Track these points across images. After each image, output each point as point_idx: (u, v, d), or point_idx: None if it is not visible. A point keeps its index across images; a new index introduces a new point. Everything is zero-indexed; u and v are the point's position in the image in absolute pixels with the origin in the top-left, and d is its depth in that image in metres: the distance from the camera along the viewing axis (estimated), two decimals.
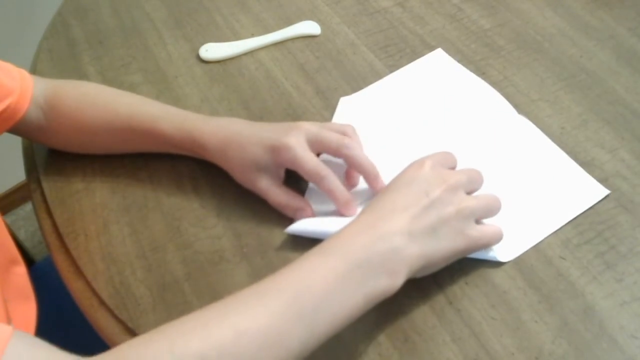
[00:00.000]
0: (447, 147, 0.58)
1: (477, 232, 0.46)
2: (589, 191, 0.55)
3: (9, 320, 0.51)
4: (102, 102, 0.58)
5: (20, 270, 0.57)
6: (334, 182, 0.52)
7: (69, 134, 0.59)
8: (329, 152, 0.53)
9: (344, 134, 0.54)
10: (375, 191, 0.53)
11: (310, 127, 0.53)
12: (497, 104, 0.62)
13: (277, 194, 0.53)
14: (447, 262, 0.46)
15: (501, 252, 0.51)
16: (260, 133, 0.53)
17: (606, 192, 0.55)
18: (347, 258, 0.41)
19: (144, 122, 0.56)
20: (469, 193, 0.48)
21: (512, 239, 0.51)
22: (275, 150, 0.51)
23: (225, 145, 0.53)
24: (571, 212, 0.54)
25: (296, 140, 0.51)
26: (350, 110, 0.62)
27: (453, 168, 0.51)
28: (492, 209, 0.48)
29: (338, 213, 0.53)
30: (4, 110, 0.54)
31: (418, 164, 0.48)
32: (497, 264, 0.51)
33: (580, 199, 0.54)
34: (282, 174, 0.54)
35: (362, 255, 0.41)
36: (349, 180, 0.55)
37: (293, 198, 0.53)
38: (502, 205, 0.49)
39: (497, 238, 0.49)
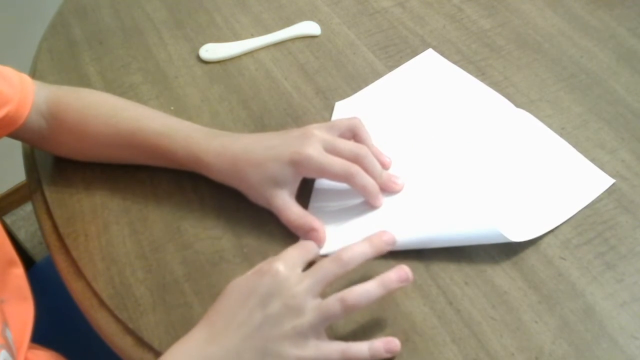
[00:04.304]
0: (448, 145, 0.58)
1: (311, 353, 0.42)
2: (594, 180, 0.56)
3: (4, 320, 0.51)
4: (104, 116, 0.56)
5: (18, 272, 0.57)
6: (365, 176, 0.52)
7: (71, 146, 0.58)
8: (344, 136, 0.54)
9: (353, 128, 0.54)
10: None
11: (323, 136, 0.52)
12: (494, 100, 0.63)
13: (292, 212, 0.52)
14: None
15: (512, 233, 0.50)
16: (273, 148, 0.52)
17: (611, 180, 0.55)
18: None
19: (146, 139, 0.55)
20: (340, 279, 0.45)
21: (524, 223, 0.52)
22: (297, 164, 0.51)
23: (234, 166, 0.52)
24: (580, 202, 0.54)
25: (314, 149, 0.51)
26: (347, 114, 0.62)
27: (313, 259, 0.48)
28: (333, 315, 0.43)
29: (344, 214, 0.53)
30: (2, 119, 0.53)
31: (264, 269, 0.45)
32: (497, 264, 0.51)
33: (587, 188, 0.55)
34: (297, 186, 0.53)
35: None
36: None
37: (307, 218, 0.52)
38: (361, 300, 0.43)
39: (337, 357, 0.43)
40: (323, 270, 0.45)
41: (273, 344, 0.42)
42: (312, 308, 0.43)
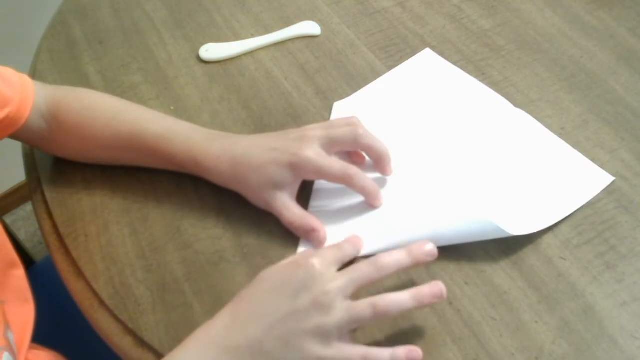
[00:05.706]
0: (446, 144, 0.58)
1: (332, 353, 0.42)
2: (594, 178, 0.56)
3: (6, 322, 0.51)
4: (103, 118, 0.56)
5: (19, 273, 0.57)
6: (364, 178, 0.52)
7: (71, 147, 0.58)
8: (345, 148, 0.54)
9: (352, 128, 0.54)
10: (385, 175, 0.55)
11: (319, 133, 0.52)
12: (493, 99, 0.63)
13: (292, 214, 0.52)
14: None
15: (512, 226, 0.50)
16: (272, 151, 0.51)
17: (611, 178, 0.56)
18: None
19: (146, 142, 0.55)
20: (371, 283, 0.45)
21: (524, 219, 0.52)
22: (295, 167, 0.51)
23: (233, 169, 0.52)
24: (580, 199, 0.54)
25: (313, 151, 0.51)
26: (346, 114, 0.62)
27: (350, 259, 0.48)
28: (361, 318, 0.43)
29: (344, 213, 0.54)
30: (3, 120, 0.53)
31: (300, 262, 0.45)
32: (496, 264, 0.51)
33: (587, 185, 0.55)
34: (297, 188, 0.53)
35: None
36: (357, 159, 0.56)
37: (307, 219, 0.52)
38: (389, 306, 0.43)
39: None
40: (358, 272, 0.45)
41: (296, 338, 0.42)
42: (342, 308, 0.43)
